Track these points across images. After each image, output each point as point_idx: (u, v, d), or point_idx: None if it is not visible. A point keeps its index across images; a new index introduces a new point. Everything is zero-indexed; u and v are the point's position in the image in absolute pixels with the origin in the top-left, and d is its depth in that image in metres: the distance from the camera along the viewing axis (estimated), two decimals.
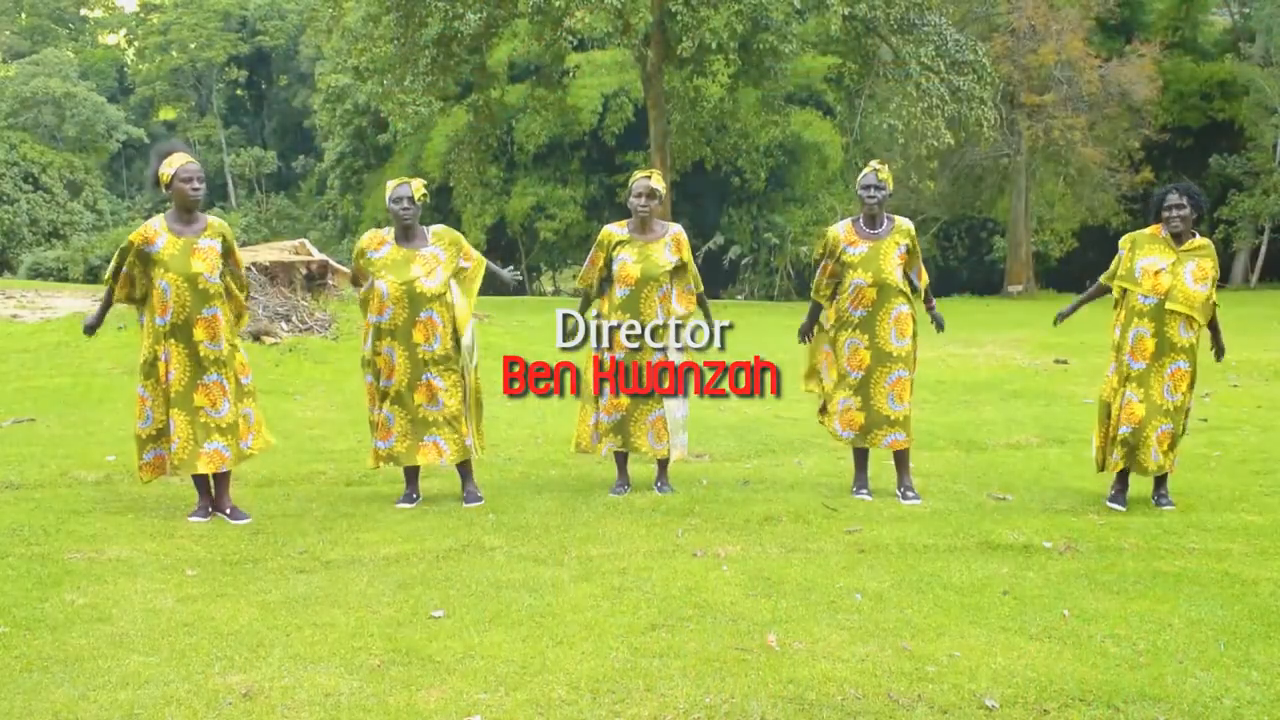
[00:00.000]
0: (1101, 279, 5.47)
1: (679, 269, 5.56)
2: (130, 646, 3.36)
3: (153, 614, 3.68)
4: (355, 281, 5.58)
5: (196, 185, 4.91)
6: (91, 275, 34.13)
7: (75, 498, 5.53)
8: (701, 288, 5.70)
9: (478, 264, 5.54)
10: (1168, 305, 5.09)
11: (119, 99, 51.12)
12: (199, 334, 4.99)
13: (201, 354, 4.99)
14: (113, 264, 5.07)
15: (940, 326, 5.83)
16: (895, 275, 5.36)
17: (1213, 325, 5.31)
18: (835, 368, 5.58)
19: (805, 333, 5.78)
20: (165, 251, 4.94)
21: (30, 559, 4.36)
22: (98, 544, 4.60)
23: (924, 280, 5.60)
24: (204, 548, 4.58)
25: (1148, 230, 5.30)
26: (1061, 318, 5.81)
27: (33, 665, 3.21)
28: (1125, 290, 5.24)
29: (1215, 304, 5.23)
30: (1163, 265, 5.13)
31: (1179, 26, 35.49)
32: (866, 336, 5.41)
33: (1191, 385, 5.24)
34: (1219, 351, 5.46)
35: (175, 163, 4.92)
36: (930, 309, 5.72)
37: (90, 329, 5.17)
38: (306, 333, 11.81)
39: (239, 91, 54.83)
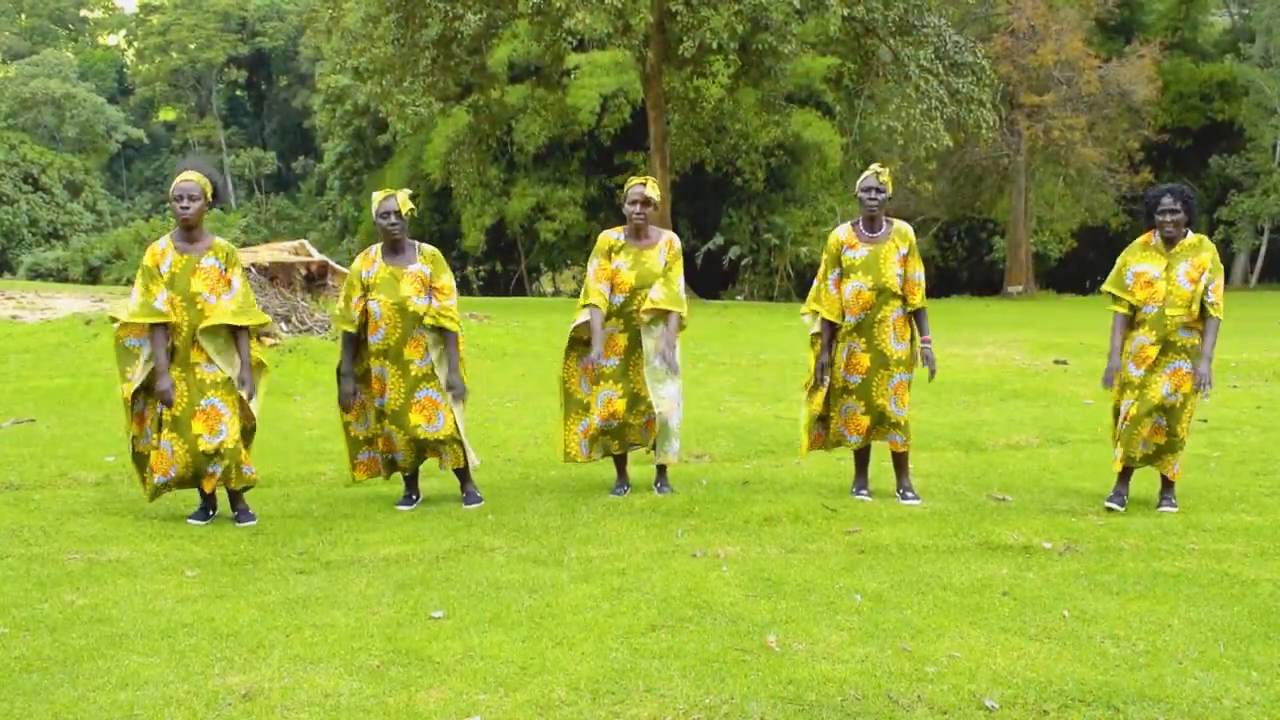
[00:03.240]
0: (1112, 306, 5.33)
1: (665, 274, 5.43)
2: (130, 647, 3.36)
3: (152, 614, 3.68)
4: (346, 304, 5.29)
5: (187, 204, 4.86)
6: (91, 276, 34.10)
7: (75, 499, 5.53)
8: (682, 306, 5.42)
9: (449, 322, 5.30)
10: (1167, 311, 5.10)
11: (119, 100, 51.21)
12: (196, 356, 4.92)
13: (199, 376, 4.92)
14: (139, 300, 4.88)
15: (932, 371, 5.36)
16: (895, 280, 5.29)
17: (1205, 320, 5.08)
18: (832, 382, 5.49)
19: (825, 369, 5.43)
20: (169, 269, 4.93)
21: (30, 560, 4.37)
22: (97, 545, 4.60)
23: (917, 297, 5.31)
24: (204, 548, 4.58)
25: (1140, 239, 5.32)
26: (1109, 375, 5.30)
27: (32, 666, 3.21)
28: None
29: (1213, 302, 5.04)
30: (1155, 273, 5.15)
31: (1179, 27, 35.59)
32: (864, 340, 5.36)
33: (1196, 387, 5.22)
34: (1202, 359, 5.07)
35: (176, 180, 4.93)
36: (924, 344, 5.35)
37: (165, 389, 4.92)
38: (306, 333, 11.79)
39: (239, 92, 54.91)
